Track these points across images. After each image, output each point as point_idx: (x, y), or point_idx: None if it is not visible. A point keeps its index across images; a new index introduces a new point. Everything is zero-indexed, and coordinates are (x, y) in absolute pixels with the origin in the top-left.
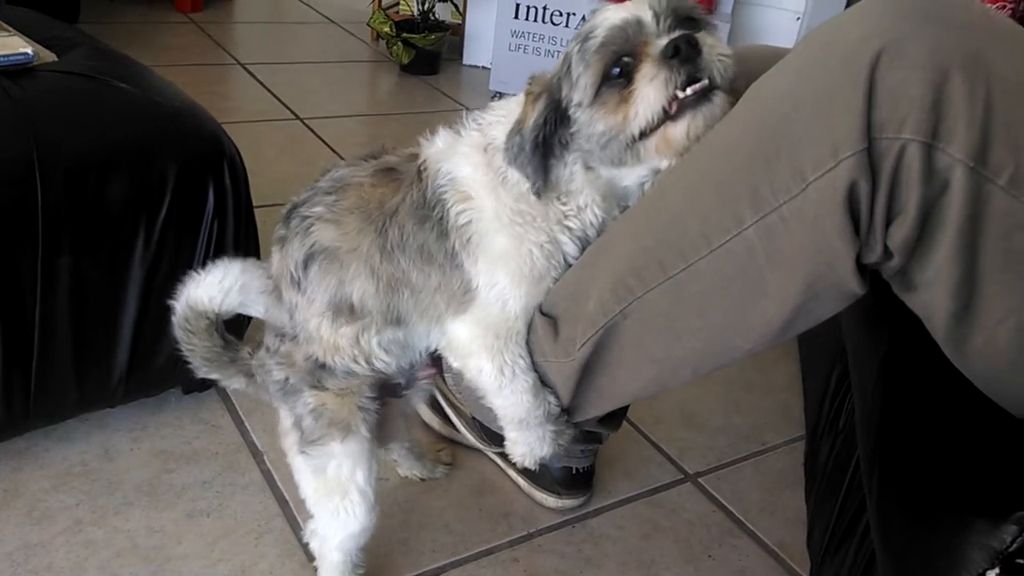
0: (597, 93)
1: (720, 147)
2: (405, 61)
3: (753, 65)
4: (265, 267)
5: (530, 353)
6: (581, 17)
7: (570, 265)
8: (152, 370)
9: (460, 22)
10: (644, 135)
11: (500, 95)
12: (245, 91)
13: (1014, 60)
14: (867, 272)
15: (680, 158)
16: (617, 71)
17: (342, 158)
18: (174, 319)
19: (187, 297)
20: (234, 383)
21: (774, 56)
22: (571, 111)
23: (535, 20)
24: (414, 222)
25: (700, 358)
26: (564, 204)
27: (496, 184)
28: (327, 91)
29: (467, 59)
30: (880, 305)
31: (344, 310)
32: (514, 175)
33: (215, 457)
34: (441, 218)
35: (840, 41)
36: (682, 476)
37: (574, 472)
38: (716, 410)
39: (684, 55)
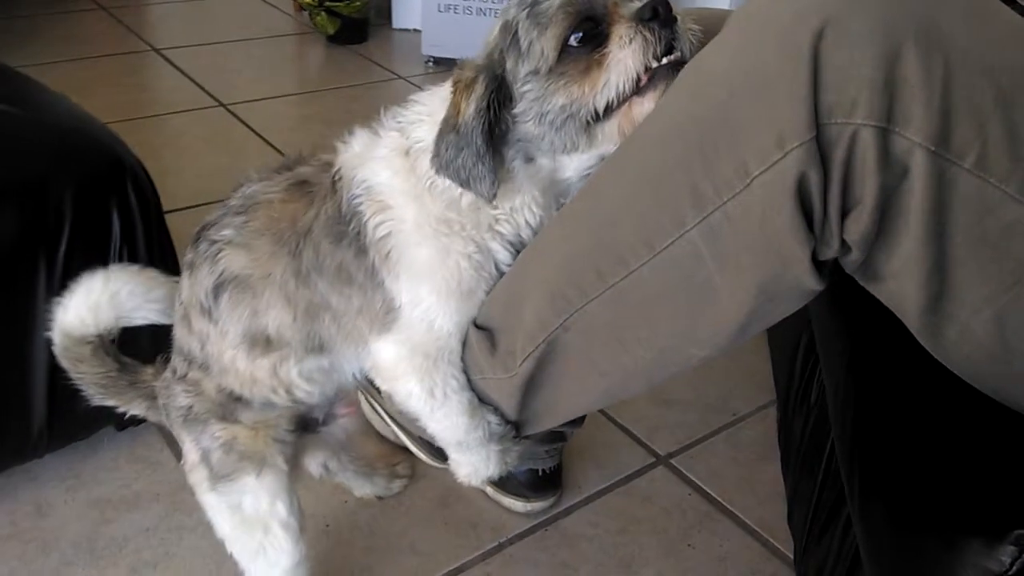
0: (559, 59)
1: (654, 138)
2: (331, 31)
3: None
4: (138, 267)
5: (466, 371)
6: None
7: (503, 274)
8: (77, 413)
9: None
10: (608, 111)
11: (434, 60)
12: (163, 80)
13: (973, 27)
14: (826, 267)
15: (614, 150)
16: (579, 36)
17: (272, 145)
18: (55, 351)
19: (59, 325)
20: (134, 408)
21: (721, 20)
22: (518, 87)
23: None
24: (330, 240)
25: (651, 369)
26: (495, 208)
27: (420, 191)
28: (251, 72)
29: (397, 23)
30: (843, 282)
31: (260, 341)
32: (445, 179)
33: (157, 499)
34: (358, 233)
35: (777, 16)
36: (654, 459)
37: (540, 474)
38: (682, 382)
39: (664, 18)
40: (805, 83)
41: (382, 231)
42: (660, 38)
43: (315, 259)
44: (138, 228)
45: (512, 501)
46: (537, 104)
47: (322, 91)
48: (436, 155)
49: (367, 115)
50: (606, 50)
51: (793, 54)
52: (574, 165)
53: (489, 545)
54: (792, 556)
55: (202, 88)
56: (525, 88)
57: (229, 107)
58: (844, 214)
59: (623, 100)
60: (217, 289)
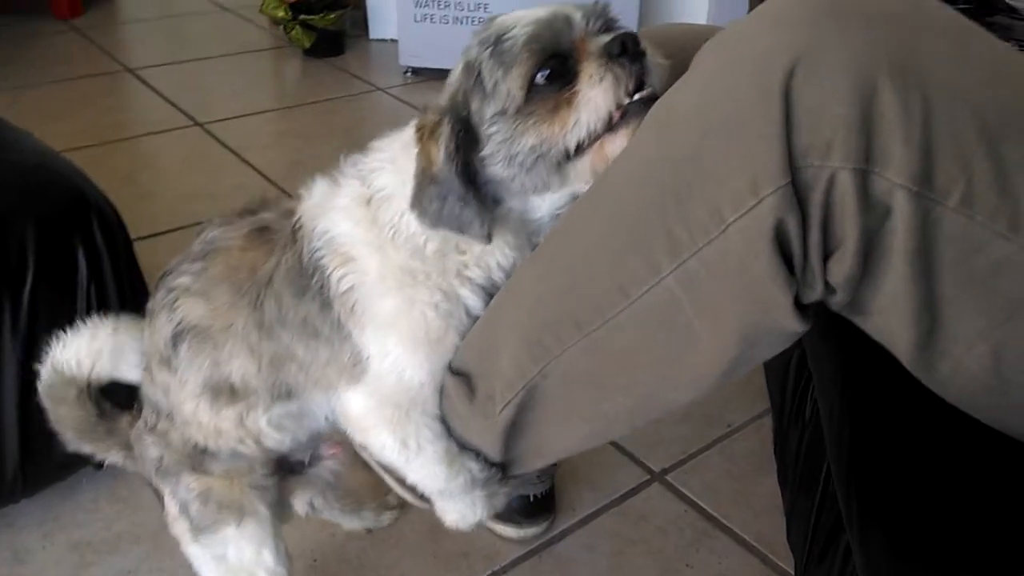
0: (526, 98)
1: (627, 179)
2: (307, 45)
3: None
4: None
5: (444, 417)
6: None
7: (476, 318)
8: (53, 454)
9: None
10: (580, 149)
11: (412, 70)
12: (137, 100)
13: (952, 55)
14: (811, 308)
15: (584, 192)
16: (546, 73)
17: (249, 164)
18: (39, 386)
19: (53, 361)
20: (111, 456)
21: (696, 37)
22: (485, 129)
23: None
24: (292, 294)
25: (634, 414)
26: (463, 253)
27: (383, 242)
28: (227, 88)
29: (373, 33)
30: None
31: (224, 391)
32: (409, 228)
33: (138, 541)
34: (321, 286)
35: (747, 54)
36: (648, 476)
37: (532, 499)
38: None
39: (632, 54)
40: (777, 124)
41: (345, 284)
42: (630, 74)
43: (278, 312)
44: (105, 265)
45: (504, 528)
46: (505, 146)
47: (300, 106)
48: (422, 212)
49: (346, 128)
50: (575, 88)
51: (764, 93)
52: (546, 205)
53: (482, 574)
54: (792, 572)
55: (177, 107)
56: (492, 130)
57: (205, 126)
58: (826, 256)
59: (595, 138)
60: (176, 338)
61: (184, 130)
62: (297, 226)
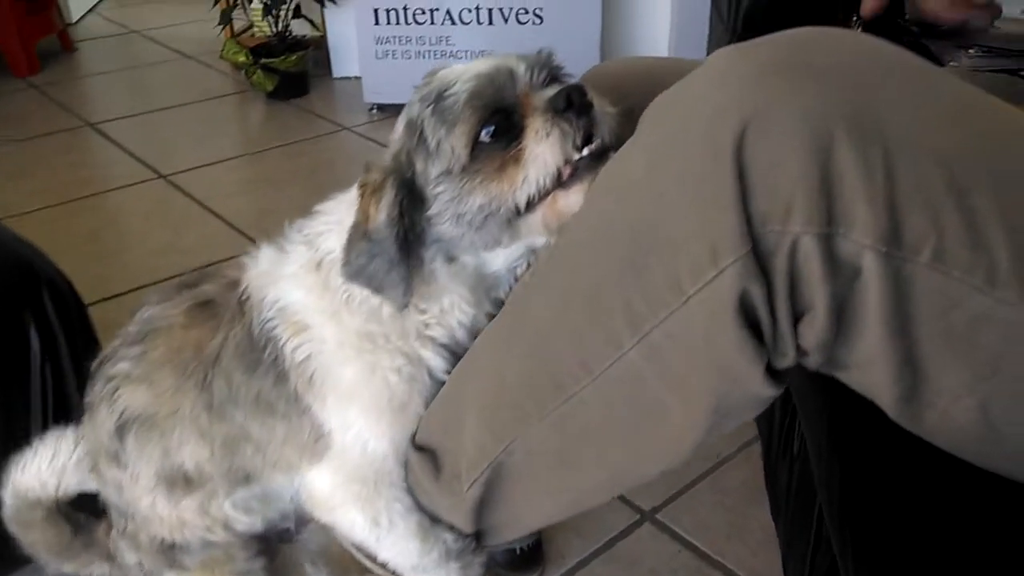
0: (472, 156)
1: (581, 248)
2: (270, 88)
3: (636, 94)
4: None
5: (412, 492)
6: (445, 12)
7: (442, 381)
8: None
9: (322, 34)
10: (530, 206)
11: (378, 107)
12: (99, 155)
13: (910, 102)
14: (786, 372)
15: (541, 258)
16: (491, 130)
17: (215, 214)
18: (4, 515)
19: (13, 487)
20: (94, 570)
21: (653, 76)
22: (431, 189)
23: (397, 23)
24: (243, 370)
25: (608, 486)
26: (423, 312)
27: (337, 307)
28: (190, 137)
29: (337, 71)
30: None
31: (178, 481)
32: (362, 292)
33: None
34: (275, 359)
35: (696, 113)
36: (638, 516)
37: (519, 552)
38: None
39: (579, 107)
40: (732, 189)
41: (302, 354)
42: (578, 128)
43: (228, 391)
44: (60, 341)
45: None
46: (453, 205)
47: (265, 151)
48: (346, 262)
49: (314, 170)
50: (522, 144)
51: (716, 157)
52: (500, 260)
53: None
54: None
55: (141, 160)
56: (439, 190)
57: (169, 178)
58: (796, 320)
59: (545, 194)
60: (120, 430)
61: (148, 183)
62: (244, 297)
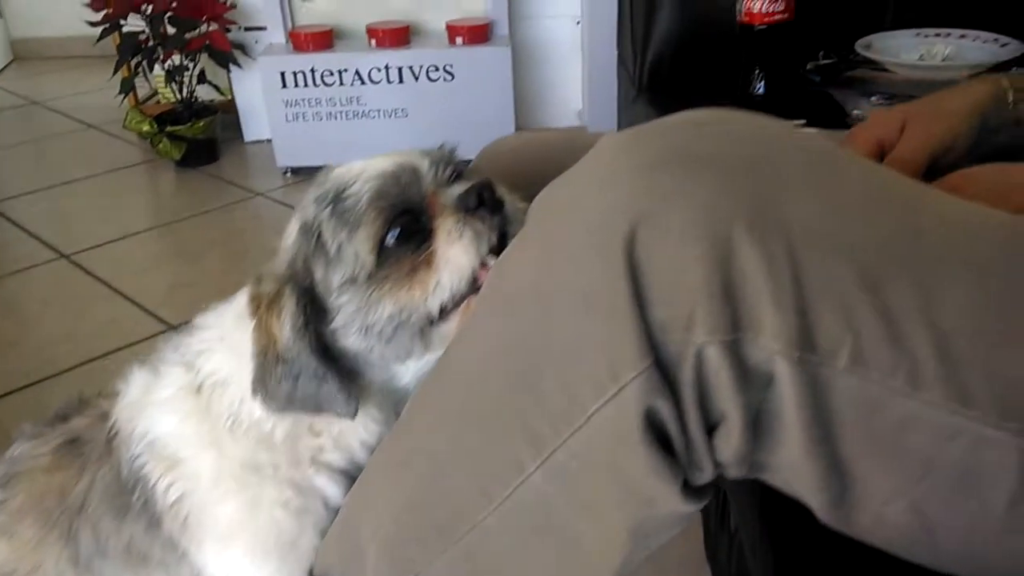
0: (378, 262)
1: (471, 364)
2: (177, 156)
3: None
4: None
5: None
6: (355, 73)
7: (336, 509)
8: None
9: (230, 97)
10: (444, 313)
11: (292, 171)
12: None
13: (814, 193)
14: (707, 486)
15: (429, 374)
16: (396, 233)
17: (122, 294)
18: None
19: None
20: None
21: (559, 149)
22: (333, 299)
23: (306, 85)
24: (112, 517)
25: None
26: (318, 435)
27: (218, 435)
28: (95, 212)
29: (248, 135)
30: None
31: None
32: (252, 415)
33: None
34: (146, 502)
35: (584, 215)
36: None
37: None
38: None
39: (491, 205)
40: (627, 297)
41: (174, 494)
42: (491, 227)
43: (95, 542)
44: None
45: None
46: (360, 316)
47: (175, 222)
48: (268, 395)
49: (226, 239)
50: (432, 247)
51: (608, 263)
52: (410, 372)
53: None
54: None
55: (40, 240)
56: (342, 300)
57: (71, 257)
58: (710, 432)
59: (460, 299)
60: None
61: (48, 265)
62: (112, 433)
